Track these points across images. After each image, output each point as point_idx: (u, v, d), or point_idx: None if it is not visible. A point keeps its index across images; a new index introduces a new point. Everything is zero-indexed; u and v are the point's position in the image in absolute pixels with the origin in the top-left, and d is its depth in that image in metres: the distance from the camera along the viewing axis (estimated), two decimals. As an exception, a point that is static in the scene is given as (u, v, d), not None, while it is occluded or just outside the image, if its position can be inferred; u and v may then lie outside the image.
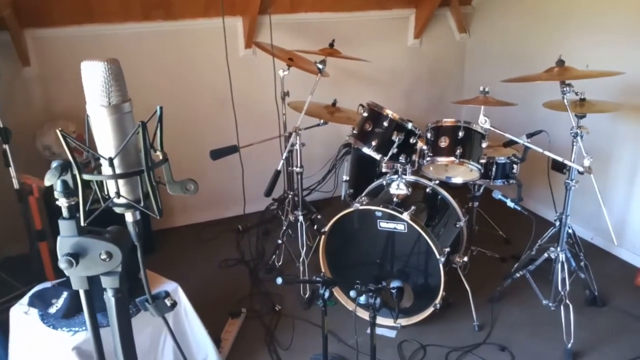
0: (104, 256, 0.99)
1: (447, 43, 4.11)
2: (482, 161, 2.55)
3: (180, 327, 2.14)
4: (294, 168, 2.81)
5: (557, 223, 2.64)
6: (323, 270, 2.69)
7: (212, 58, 3.37)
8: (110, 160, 0.95)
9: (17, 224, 2.77)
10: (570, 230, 2.60)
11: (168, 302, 1.09)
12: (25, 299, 1.98)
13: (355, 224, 2.59)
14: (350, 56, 2.82)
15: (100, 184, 1.01)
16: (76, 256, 0.97)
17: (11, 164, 2.55)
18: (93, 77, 0.92)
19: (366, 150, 2.68)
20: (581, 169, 2.17)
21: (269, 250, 3.30)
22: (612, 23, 2.98)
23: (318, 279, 2.19)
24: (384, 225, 2.47)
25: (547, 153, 2.25)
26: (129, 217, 1.04)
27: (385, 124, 2.66)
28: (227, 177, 3.55)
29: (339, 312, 2.65)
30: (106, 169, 0.97)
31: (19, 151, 2.63)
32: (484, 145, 2.54)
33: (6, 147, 2.53)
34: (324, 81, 2.90)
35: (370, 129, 2.68)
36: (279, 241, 3.04)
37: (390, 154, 2.63)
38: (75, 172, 0.96)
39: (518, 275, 2.69)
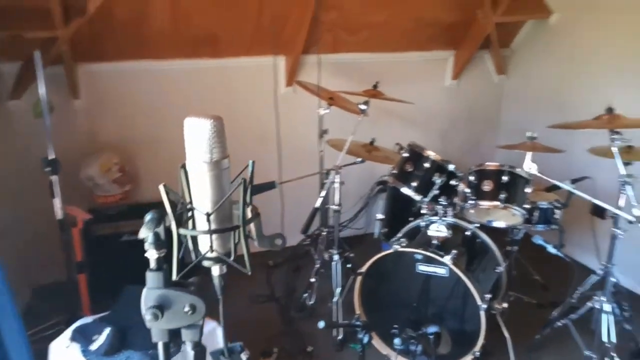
0: (187, 309, 0.99)
1: (485, 84, 4.12)
2: (527, 206, 2.51)
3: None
4: (331, 206, 2.81)
5: (601, 272, 2.57)
6: (358, 312, 2.64)
7: (254, 95, 3.47)
8: (208, 215, 0.97)
9: (53, 253, 2.80)
10: (614, 279, 2.52)
11: (244, 357, 1.08)
12: (68, 333, 1.99)
13: (392, 265, 2.55)
14: (393, 98, 2.85)
15: (193, 237, 1.03)
16: (161, 308, 0.98)
17: (57, 195, 2.60)
18: (198, 134, 0.95)
19: (406, 190, 2.67)
20: (632, 219, 2.11)
21: (299, 287, 3.27)
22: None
23: (358, 322, 2.16)
24: (423, 268, 2.43)
25: (596, 201, 2.20)
26: (215, 270, 1.05)
27: (427, 165, 2.65)
28: (262, 211, 3.56)
29: (371, 355, 2.59)
30: (201, 223, 0.98)
31: (62, 181, 2.70)
32: (528, 190, 2.51)
33: (54, 178, 2.59)
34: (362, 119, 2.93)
35: (411, 169, 2.68)
36: (312, 279, 3.01)
37: (430, 195, 2.61)
38: (173, 226, 0.98)
39: (560, 323, 2.60)
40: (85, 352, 1.88)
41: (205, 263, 1.02)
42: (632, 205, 2.11)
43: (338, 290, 2.77)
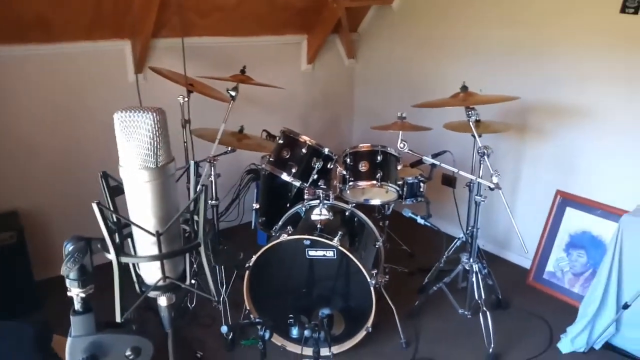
0: (129, 353, 0.79)
1: (338, 68, 4.24)
2: (400, 183, 2.65)
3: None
4: (209, 201, 2.64)
5: (463, 236, 2.86)
6: (247, 307, 2.54)
7: (100, 84, 3.08)
8: (158, 235, 0.77)
9: None
10: (470, 238, 2.81)
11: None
12: None
13: (280, 254, 2.50)
14: (262, 83, 2.75)
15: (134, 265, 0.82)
16: (96, 359, 0.77)
17: None
18: (136, 132, 0.74)
19: (286, 177, 2.62)
20: (492, 185, 2.35)
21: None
22: (489, 49, 3.34)
23: (258, 320, 2.07)
24: (313, 253, 2.42)
25: (462, 173, 2.41)
26: (163, 300, 0.86)
27: (304, 150, 2.63)
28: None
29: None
30: (144, 247, 0.78)
31: None
32: (399, 167, 2.65)
33: None
34: (219, 106, 2.79)
35: (288, 156, 2.64)
36: (192, 281, 2.81)
37: (310, 180, 2.61)
38: (112, 255, 0.76)
39: (435, 288, 2.83)
40: None
41: (153, 294, 0.84)
42: (490, 174, 2.34)
43: (224, 288, 2.64)
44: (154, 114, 0.75)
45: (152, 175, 0.76)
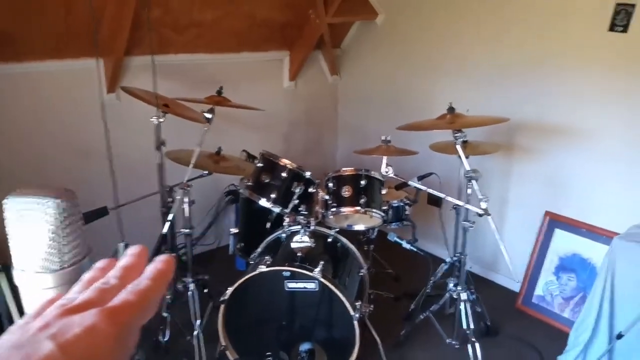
0: None
1: (321, 85, 4.13)
2: (384, 208, 2.53)
3: None
4: (182, 230, 2.49)
5: (448, 262, 2.76)
6: (224, 343, 2.39)
7: (70, 105, 2.93)
8: None
9: None
10: (458, 264, 2.71)
11: None
12: None
13: (258, 286, 2.36)
14: (241, 105, 2.63)
15: None
16: None
17: None
18: (33, 223, 0.58)
19: (264, 203, 2.49)
20: (480, 212, 2.25)
21: (150, 324, 2.87)
22: (475, 67, 3.26)
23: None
24: (292, 285, 2.29)
25: (449, 199, 2.31)
26: None
27: (284, 174, 2.51)
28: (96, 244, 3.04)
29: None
30: None
31: None
32: (383, 192, 2.53)
33: None
34: (197, 126, 2.66)
35: (267, 180, 2.51)
36: (164, 314, 2.65)
37: (291, 205, 2.48)
38: None
39: (422, 317, 2.71)
40: None
41: None
42: (478, 199, 2.24)
43: (198, 322, 2.48)
44: (58, 200, 0.58)
45: (56, 280, 0.60)
